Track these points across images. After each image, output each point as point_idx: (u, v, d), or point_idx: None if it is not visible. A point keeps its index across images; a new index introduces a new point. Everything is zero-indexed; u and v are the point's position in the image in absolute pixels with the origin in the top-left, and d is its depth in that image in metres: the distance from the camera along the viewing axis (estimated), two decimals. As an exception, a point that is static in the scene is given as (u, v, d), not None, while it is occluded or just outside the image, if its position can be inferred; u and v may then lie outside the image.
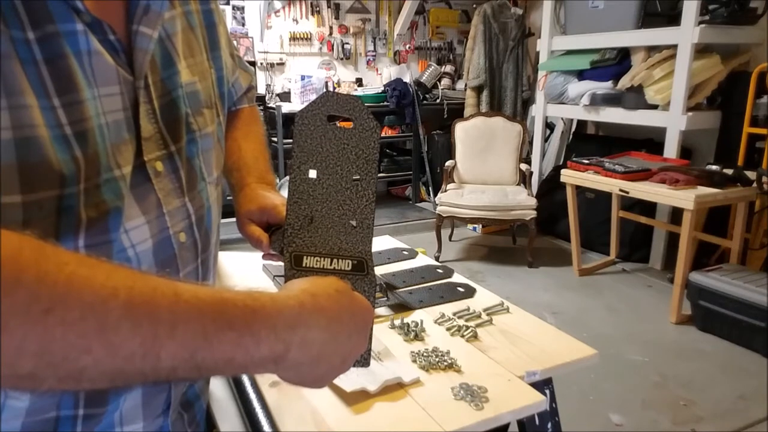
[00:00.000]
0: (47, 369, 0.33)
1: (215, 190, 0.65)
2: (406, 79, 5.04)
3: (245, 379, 0.92)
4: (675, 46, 3.32)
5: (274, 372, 0.43)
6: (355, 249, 0.55)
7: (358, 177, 0.55)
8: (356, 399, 0.87)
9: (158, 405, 0.60)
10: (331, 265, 0.54)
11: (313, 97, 4.49)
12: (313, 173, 0.55)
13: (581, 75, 4.00)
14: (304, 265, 0.53)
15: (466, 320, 1.13)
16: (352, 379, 0.88)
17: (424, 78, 5.09)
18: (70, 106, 0.45)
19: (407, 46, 5.41)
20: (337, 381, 0.82)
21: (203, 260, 0.62)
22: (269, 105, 4.60)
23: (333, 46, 5.08)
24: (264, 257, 0.74)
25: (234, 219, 0.76)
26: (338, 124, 0.56)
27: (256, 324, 0.40)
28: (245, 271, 1.40)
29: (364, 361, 0.54)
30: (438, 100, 5.08)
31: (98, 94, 0.47)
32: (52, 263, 0.33)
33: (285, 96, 4.78)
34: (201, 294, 0.38)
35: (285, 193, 0.69)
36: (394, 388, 0.90)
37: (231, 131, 0.81)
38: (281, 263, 0.57)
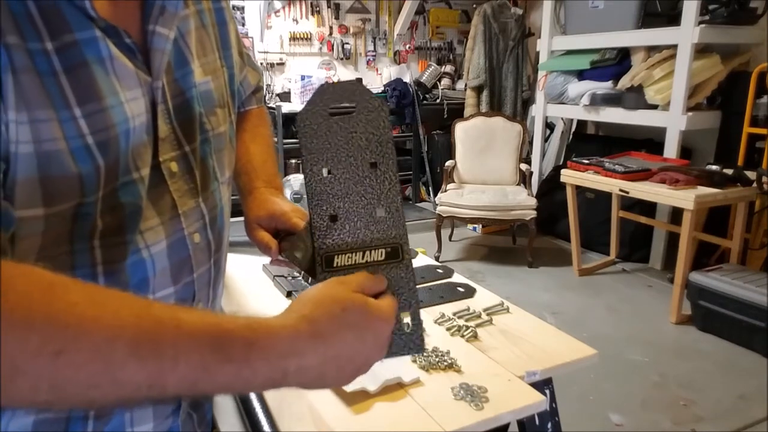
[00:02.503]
0: (61, 400, 0.36)
1: (227, 191, 0.65)
2: (406, 79, 5.04)
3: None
4: (675, 46, 3.32)
5: (278, 388, 0.44)
6: (388, 235, 0.52)
7: (374, 161, 0.52)
8: (356, 399, 0.87)
9: (168, 406, 0.60)
10: (363, 258, 0.52)
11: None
12: (325, 171, 0.52)
13: (581, 75, 4.00)
14: (335, 265, 0.52)
15: (466, 320, 1.13)
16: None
17: (424, 78, 5.09)
18: (92, 116, 0.44)
19: (407, 46, 5.41)
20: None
21: (216, 260, 0.62)
22: (269, 105, 4.60)
23: (333, 46, 5.08)
24: (272, 263, 0.74)
25: (239, 218, 0.76)
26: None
27: (253, 355, 0.40)
28: (246, 272, 1.40)
29: (417, 347, 0.51)
30: (438, 100, 5.08)
31: (124, 99, 0.47)
32: (63, 303, 0.35)
33: (285, 96, 4.78)
34: (201, 325, 0.39)
35: (288, 194, 0.69)
36: (394, 388, 0.90)
37: (239, 133, 0.81)
38: (285, 267, 0.56)
